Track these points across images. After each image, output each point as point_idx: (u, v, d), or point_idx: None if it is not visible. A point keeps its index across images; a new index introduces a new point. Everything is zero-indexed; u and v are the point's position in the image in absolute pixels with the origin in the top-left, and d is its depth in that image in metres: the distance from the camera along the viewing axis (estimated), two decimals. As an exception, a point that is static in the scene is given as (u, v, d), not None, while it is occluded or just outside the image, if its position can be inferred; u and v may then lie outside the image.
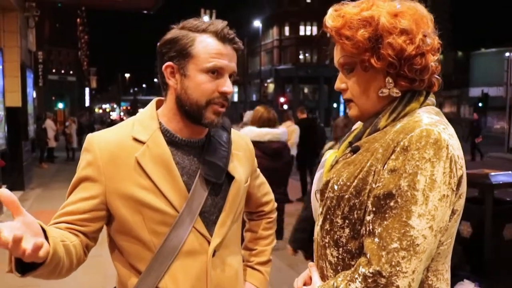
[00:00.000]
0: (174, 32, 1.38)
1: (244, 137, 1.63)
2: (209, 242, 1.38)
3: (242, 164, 1.52)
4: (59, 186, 10.81)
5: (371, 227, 1.08)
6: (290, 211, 8.10)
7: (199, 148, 1.43)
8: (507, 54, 23.59)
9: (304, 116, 9.68)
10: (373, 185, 1.10)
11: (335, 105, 52.25)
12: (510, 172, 4.89)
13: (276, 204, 1.80)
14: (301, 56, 53.10)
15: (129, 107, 76.64)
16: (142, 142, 1.35)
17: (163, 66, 1.38)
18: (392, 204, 1.05)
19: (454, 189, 1.08)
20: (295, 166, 9.51)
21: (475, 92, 29.93)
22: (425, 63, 1.15)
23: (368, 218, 1.09)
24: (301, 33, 52.46)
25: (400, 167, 1.05)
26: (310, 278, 1.30)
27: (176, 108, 1.39)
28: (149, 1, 12.54)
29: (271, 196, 1.77)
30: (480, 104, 26.65)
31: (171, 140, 1.39)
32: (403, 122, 1.14)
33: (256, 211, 1.74)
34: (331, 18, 1.22)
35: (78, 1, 15.87)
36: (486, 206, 3.93)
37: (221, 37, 1.36)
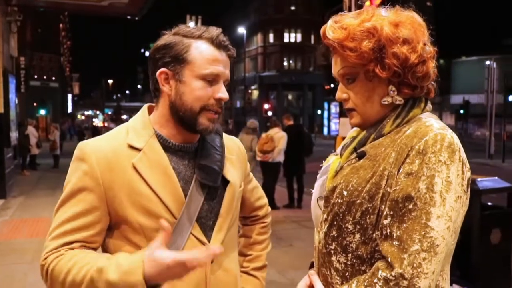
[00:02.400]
0: (168, 38, 1.36)
1: (236, 141, 1.62)
2: None
3: (235, 168, 1.51)
4: (42, 194, 10.67)
5: (388, 230, 1.09)
6: (278, 218, 8.11)
7: (192, 153, 1.42)
8: (487, 62, 24.03)
9: (291, 122, 9.71)
10: (387, 189, 1.12)
11: (319, 111, 52.55)
12: (495, 178, 4.97)
13: (270, 209, 1.79)
14: (285, 63, 53.38)
15: (112, 114, 76.02)
16: (138, 149, 1.34)
17: (157, 72, 1.36)
18: (411, 206, 1.07)
19: (466, 190, 1.12)
20: (282, 172, 9.53)
21: (456, 99, 30.43)
22: (426, 70, 1.19)
23: (385, 222, 1.10)
24: (286, 40, 52.79)
25: (418, 170, 1.08)
26: (309, 287, 1.29)
27: (169, 114, 1.38)
28: (134, 7, 12.48)
29: (265, 200, 1.77)
30: (461, 111, 27.07)
31: (165, 146, 1.38)
32: (414, 127, 1.16)
33: (250, 216, 1.73)
34: (331, 30, 1.23)
35: (61, 6, 15.71)
36: (473, 211, 3.98)
37: (217, 44, 1.35)
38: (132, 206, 1.30)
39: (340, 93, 1.28)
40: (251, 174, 1.69)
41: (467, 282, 4.21)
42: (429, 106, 1.27)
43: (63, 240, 1.28)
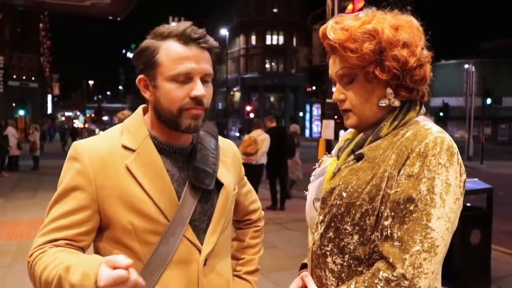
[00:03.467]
0: (144, 42, 1.35)
1: (231, 145, 1.62)
2: (200, 251, 1.36)
3: (230, 171, 1.50)
4: (22, 196, 10.46)
5: (389, 231, 1.11)
6: (260, 220, 8.08)
7: (186, 155, 1.41)
8: (466, 66, 24.45)
9: (274, 124, 9.72)
10: (388, 191, 1.13)
11: (301, 113, 52.76)
12: (475, 179, 5.05)
13: (263, 213, 1.79)
14: (267, 65, 53.49)
15: (93, 115, 75.29)
16: (132, 150, 1.33)
17: (136, 80, 1.36)
18: (412, 208, 1.09)
19: (462, 192, 1.15)
20: (265, 174, 9.53)
21: (436, 102, 30.78)
22: (423, 73, 1.22)
23: (385, 223, 1.12)
24: (268, 42, 52.91)
25: (419, 172, 1.10)
26: None
27: (156, 118, 1.37)
28: (116, 7, 12.38)
29: (258, 204, 1.76)
30: (441, 114, 27.42)
31: (160, 148, 1.37)
32: (413, 130, 1.18)
33: (243, 219, 1.72)
34: (332, 31, 1.24)
35: (41, 5, 15.48)
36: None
37: (184, 40, 1.30)
38: (124, 207, 1.29)
39: (338, 94, 1.28)
40: (245, 178, 1.69)
41: (448, 282, 4.27)
42: (423, 109, 1.29)
43: (50, 237, 1.27)
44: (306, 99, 51.87)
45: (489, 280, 4.81)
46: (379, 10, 1.27)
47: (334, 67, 1.27)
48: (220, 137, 1.53)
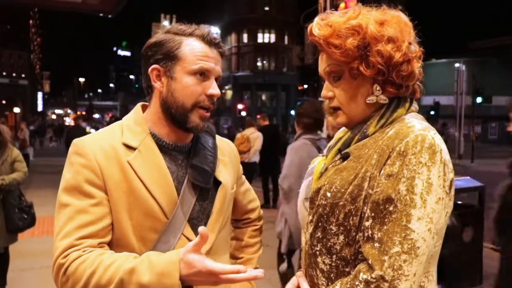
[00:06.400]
0: (160, 36, 1.38)
1: (229, 143, 1.62)
2: None
3: (228, 169, 1.50)
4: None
5: (370, 232, 1.09)
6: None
7: (185, 153, 1.42)
8: (457, 65, 24.58)
9: (267, 123, 9.74)
10: (369, 191, 1.12)
11: (292, 112, 52.82)
12: (468, 177, 5.08)
13: (262, 211, 1.78)
14: (259, 63, 53.43)
15: (84, 113, 74.80)
16: (133, 148, 1.33)
17: (149, 69, 1.37)
18: (391, 208, 1.07)
19: (448, 191, 1.11)
20: (257, 173, 9.53)
21: (427, 100, 30.98)
22: (411, 69, 1.19)
23: (366, 224, 1.10)
24: (259, 40, 52.84)
25: (398, 172, 1.08)
26: None
27: (161, 112, 1.38)
28: (108, 5, 12.29)
29: (257, 203, 1.76)
30: (432, 112, 27.58)
31: (159, 145, 1.37)
32: (396, 128, 1.16)
33: (242, 218, 1.72)
34: (318, 27, 1.23)
35: (31, 1, 15.34)
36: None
37: (208, 41, 1.37)
38: (126, 203, 1.29)
39: (326, 91, 1.28)
40: (243, 176, 1.69)
41: (440, 280, 4.29)
42: (415, 106, 1.27)
43: (75, 236, 1.23)
44: (297, 98, 51.91)
45: (481, 277, 4.83)
46: (368, 7, 1.26)
47: (322, 64, 1.27)
48: (218, 136, 1.54)
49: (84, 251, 1.21)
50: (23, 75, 44.63)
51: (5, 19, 37.89)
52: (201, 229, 1.12)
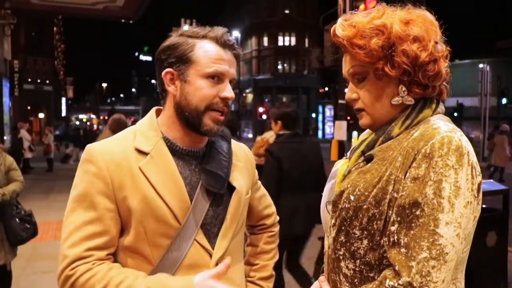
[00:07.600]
0: (173, 39, 1.37)
1: (245, 148, 1.60)
2: (210, 255, 1.34)
3: (242, 175, 1.48)
4: (36, 198, 10.54)
5: (396, 237, 1.05)
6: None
7: (199, 158, 1.40)
8: (480, 65, 24.15)
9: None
10: (394, 194, 1.08)
11: (313, 115, 52.60)
12: (491, 180, 4.98)
13: (278, 218, 1.75)
14: (279, 66, 53.37)
15: (106, 117, 75.84)
16: (146, 153, 1.32)
17: (163, 73, 1.36)
18: (418, 213, 1.03)
19: (476, 195, 1.07)
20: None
21: (450, 102, 30.50)
22: (437, 69, 1.16)
23: (392, 228, 1.07)
24: (280, 43, 52.79)
25: (424, 174, 1.04)
26: None
27: (175, 116, 1.36)
28: (128, 10, 12.47)
29: (273, 209, 1.73)
30: (455, 114, 27.16)
31: (172, 150, 1.36)
32: (421, 130, 1.12)
33: (257, 224, 1.69)
34: (341, 28, 1.21)
35: (55, 9, 15.67)
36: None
37: (222, 43, 1.35)
38: (137, 210, 1.27)
39: (350, 93, 1.25)
40: (259, 182, 1.66)
41: (464, 285, 4.20)
42: (442, 108, 1.23)
43: (83, 247, 1.23)
44: (318, 100, 51.70)
45: (506, 282, 4.72)
46: (392, 7, 1.22)
47: (345, 65, 1.24)
48: (233, 141, 1.52)
49: (94, 264, 1.21)
50: (47, 81, 45.49)
51: (30, 26, 38.71)
52: (225, 261, 1.19)
